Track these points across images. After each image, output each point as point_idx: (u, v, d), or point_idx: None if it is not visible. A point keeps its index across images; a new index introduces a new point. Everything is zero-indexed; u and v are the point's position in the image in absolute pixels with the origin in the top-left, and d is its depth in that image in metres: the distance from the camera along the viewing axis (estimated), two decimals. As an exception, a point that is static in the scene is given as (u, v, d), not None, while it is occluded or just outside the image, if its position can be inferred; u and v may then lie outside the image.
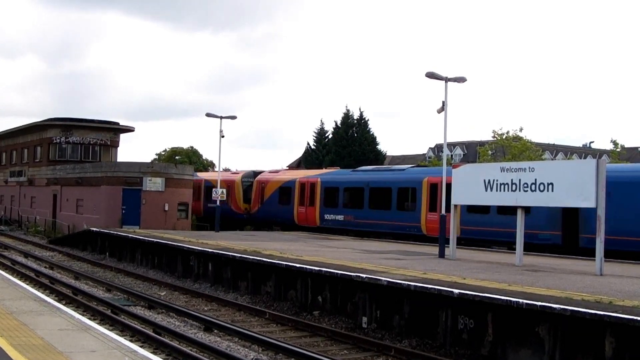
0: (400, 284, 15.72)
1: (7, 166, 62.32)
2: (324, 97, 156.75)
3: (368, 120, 66.33)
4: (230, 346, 14.73)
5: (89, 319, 14.57)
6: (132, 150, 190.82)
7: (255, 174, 46.71)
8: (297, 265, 19.32)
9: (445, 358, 14.00)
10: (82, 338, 10.64)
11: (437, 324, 15.23)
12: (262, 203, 43.91)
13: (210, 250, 24.19)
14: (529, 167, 20.00)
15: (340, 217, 37.48)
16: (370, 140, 65.19)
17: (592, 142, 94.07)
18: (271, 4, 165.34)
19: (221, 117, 36.53)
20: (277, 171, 46.04)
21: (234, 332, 15.84)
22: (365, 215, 35.82)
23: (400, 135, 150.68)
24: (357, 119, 65.99)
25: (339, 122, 66.49)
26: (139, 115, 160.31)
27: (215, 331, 16.31)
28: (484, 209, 28.42)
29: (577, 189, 18.43)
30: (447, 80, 23.48)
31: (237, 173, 49.09)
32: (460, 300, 14.31)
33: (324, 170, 43.76)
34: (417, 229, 32.69)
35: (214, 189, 39.45)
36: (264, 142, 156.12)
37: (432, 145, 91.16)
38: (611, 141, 54.20)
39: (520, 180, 19.84)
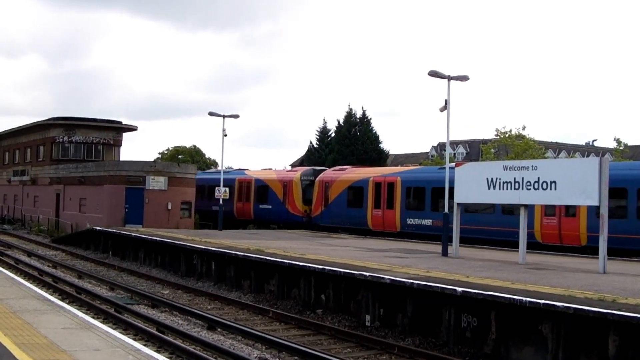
0: (404, 282, 15.72)
1: (10, 165, 62.45)
2: (326, 96, 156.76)
3: (371, 119, 66.24)
4: (233, 344, 14.75)
5: (93, 317, 14.58)
6: (134, 149, 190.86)
7: (316, 171, 42.25)
8: (300, 263, 19.33)
9: (448, 356, 13.99)
10: (85, 336, 10.66)
11: (441, 322, 15.24)
12: (326, 205, 39.05)
13: (213, 249, 24.21)
14: (532, 166, 20.02)
15: (427, 222, 32.63)
16: (373, 139, 65.12)
17: (595, 140, 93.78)
18: (273, 4, 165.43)
19: (224, 116, 36.54)
20: (343, 169, 40.87)
21: (237, 331, 15.85)
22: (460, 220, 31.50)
23: (403, 134, 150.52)
24: (359, 118, 65.92)
25: (341, 121, 66.46)
26: (141, 114, 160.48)
27: (219, 330, 16.33)
28: (620, 212, 25.35)
29: (580, 187, 18.44)
30: (449, 78, 23.49)
31: (295, 170, 44.60)
32: (464, 298, 14.31)
33: (402, 168, 40.22)
34: (528, 235, 28.25)
35: (217, 187, 38.69)
36: (266, 141, 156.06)
37: (435, 144, 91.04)
38: (614, 139, 54.27)
39: (523, 178, 19.86)
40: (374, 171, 38.63)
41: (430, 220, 32.35)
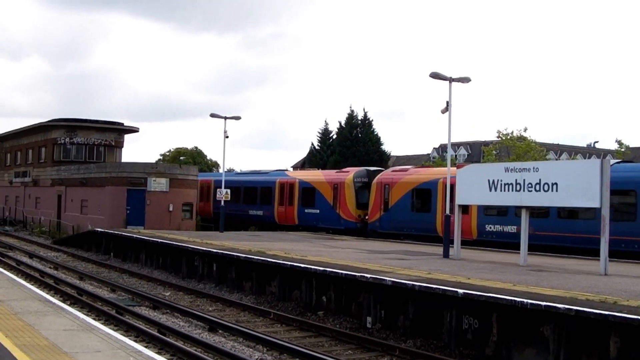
0: (405, 284, 15.71)
1: (11, 167, 62.49)
2: (328, 97, 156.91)
3: (372, 120, 66.42)
4: (234, 346, 14.75)
5: (94, 319, 14.58)
6: (136, 150, 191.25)
7: (369, 172, 38.41)
8: (302, 265, 19.32)
9: (449, 358, 13.99)
10: (86, 338, 10.65)
11: (442, 324, 15.22)
12: (386, 210, 34.90)
13: (214, 250, 24.21)
14: (534, 167, 20.00)
15: (510, 229, 28.40)
16: (375, 141, 65.18)
17: (597, 142, 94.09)
18: (276, 5, 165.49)
19: (225, 118, 36.52)
20: (405, 169, 36.63)
21: (238, 333, 15.85)
22: (554, 226, 26.90)
23: (405, 136, 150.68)
24: (361, 120, 66.02)
25: (343, 123, 66.56)
26: (143, 115, 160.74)
27: (220, 331, 16.32)
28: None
29: (582, 189, 18.44)
30: (451, 80, 23.49)
31: (346, 172, 39.88)
32: (465, 300, 14.30)
33: None
34: (638, 244, 24.40)
35: (218, 189, 38.44)
36: (267, 143, 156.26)
37: (437, 146, 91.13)
38: (616, 141, 54.13)
39: (524, 180, 19.84)
40: (444, 171, 33.67)
41: (515, 227, 27.26)
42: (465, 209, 28.42)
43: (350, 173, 38.93)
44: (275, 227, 41.12)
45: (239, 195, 44.60)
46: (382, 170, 38.62)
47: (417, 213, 33.27)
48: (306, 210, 40.29)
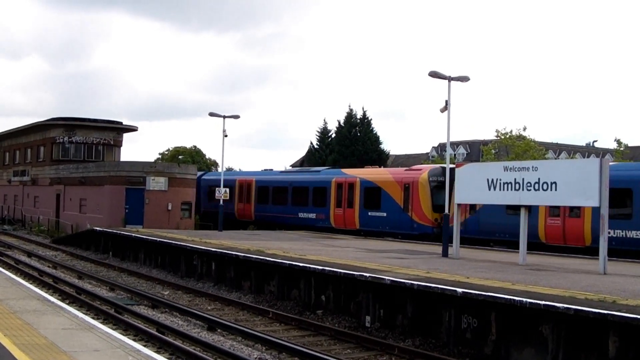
0: (404, 283, 15.71)
1: (10, 166, 62.48)
2: (327, 96, 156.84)
3: (371, 119, 66.32)
4: (233, 345, 14.75)
5: (93, 318, 14.56)
6: (135, 149, 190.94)
7: (445, 170, 33.85)
8: (301, 264, 19.32)
9: (448, 357, 13.98)
10: (85, 337, 10.65)
11: (441, 323, 15.23)
12: (474, 211, 30.49)
13: (213, 249, 24.20)
14: (533, 167, 20.02)
15: (636, 234, 24.61)
16: (374, 140, 65.11)
17: (596, 141, 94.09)
18: (275, 5, 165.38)
19: (224, 117, 36.50)
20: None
21: (237, 332, 15.85)
22: None
23: (404, 135, 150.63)
24: (360, 119, 65.96)
25: (342, 122, 66.50)
26: (142, 114, 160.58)
27: (219, 330, 16.32)
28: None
29: (581, 188, 18.45)
30: (450, 79, 23.48)
31: (418, 169, 35.33)
32: (464, 299, 14.30)
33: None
34: None
35: (217, 188, 38.18)
36: (266, 142, 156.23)
37: (436, 145, 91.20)
38: (615, 140, 54.26)
39: (523, 179, 19.85)
40: None
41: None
42: (576, 211, 26.01)
43: (424, 171, 34.35)
44: (332, 231, 36.95)
45: (286, 196, 41.37)
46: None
47: (514, 216, 25.08)
48: (370, 213, 35.86)
